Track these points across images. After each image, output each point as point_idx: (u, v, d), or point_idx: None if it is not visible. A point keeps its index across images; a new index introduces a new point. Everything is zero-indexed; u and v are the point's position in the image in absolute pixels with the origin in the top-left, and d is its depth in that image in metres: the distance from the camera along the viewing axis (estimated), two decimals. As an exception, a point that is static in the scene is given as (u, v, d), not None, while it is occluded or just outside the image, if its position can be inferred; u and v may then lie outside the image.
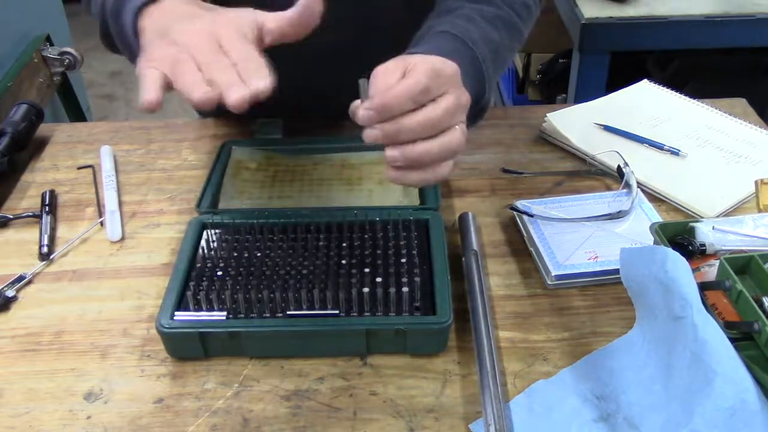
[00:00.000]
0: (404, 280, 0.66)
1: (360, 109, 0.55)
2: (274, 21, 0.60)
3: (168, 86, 0.56)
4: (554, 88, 2.09)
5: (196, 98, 0.53)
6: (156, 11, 0.63)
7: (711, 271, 0.64)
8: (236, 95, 0.52)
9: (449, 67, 0.59)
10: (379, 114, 0.55)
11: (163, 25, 0.60)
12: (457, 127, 0.58)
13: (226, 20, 0.59)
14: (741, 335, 0.56)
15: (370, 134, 0.56)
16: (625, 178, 0.80)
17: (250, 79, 0.53)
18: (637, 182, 0.80)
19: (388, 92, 0.55)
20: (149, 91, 0.54)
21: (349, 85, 0.58)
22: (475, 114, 0.72)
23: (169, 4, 0.63)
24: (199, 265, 0.68)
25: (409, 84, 0.55)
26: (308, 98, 0.88)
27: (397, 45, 0.67)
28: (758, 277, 0.60)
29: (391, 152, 0.56)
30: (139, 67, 0.58)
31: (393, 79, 0.56)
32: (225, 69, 0.54)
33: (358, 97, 0.56)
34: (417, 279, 0.65)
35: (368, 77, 0.57)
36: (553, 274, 0.69)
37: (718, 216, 0.77)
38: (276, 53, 0.59)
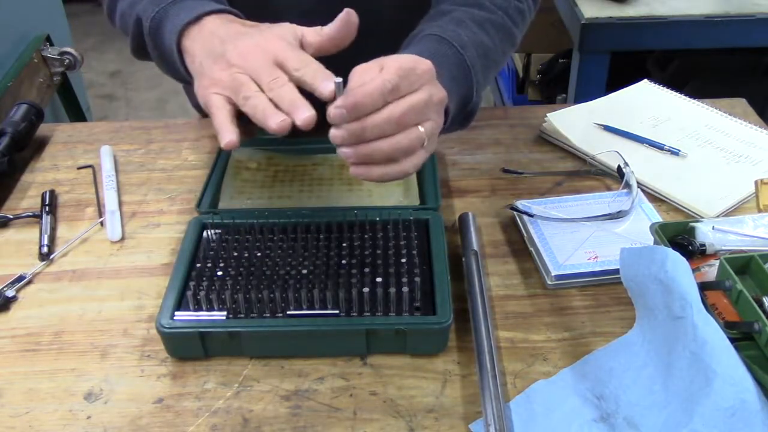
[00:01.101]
0: (404, 280, 0.66)
1: (331, 108, 0.55)
2: (313, 35, 0.61)
3: (237, 112, 0.57)
4: (554, 88, 2.09)
5: (274, 126, 0.54)
6: (199, 33, 0.64)
7: (711, 271, 0.64)
8: (304, 115, 0.54)
9: (422, 64, 0.59)
10: (350, 113, 0.54)
11: (213, 47, 0.61)
12: (419, 126, 0.58)
13: (273, 34, 0.60)
14: (741, 335, 0.56)
15: (336, 135, 0.55)
16: (625, 178, 0.80)
17: (314, 83, 0.55)
18: (637, 182, 0.80)
19: (359, 90, 0.54)
20: (226, 132, 0.56)
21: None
22: (464, 117, 0.72)
23: (210, 24, 0.64)
24: (199, 265, 0.68)
25: (379, 82, 0.55)
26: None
27: (392, 50, 0.66)
28: (758, 277, 0.60)
29: (343, 149, 0.56)
30: (203, 94, 0.60)
31: (368, 78, 0.56)
32: (285, 86, 0.56)
33: None
34: (417, 279, 0.65)
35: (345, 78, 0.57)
36: (553, 274, 0.69)
37: (718, 216, 0.77)
38: None
